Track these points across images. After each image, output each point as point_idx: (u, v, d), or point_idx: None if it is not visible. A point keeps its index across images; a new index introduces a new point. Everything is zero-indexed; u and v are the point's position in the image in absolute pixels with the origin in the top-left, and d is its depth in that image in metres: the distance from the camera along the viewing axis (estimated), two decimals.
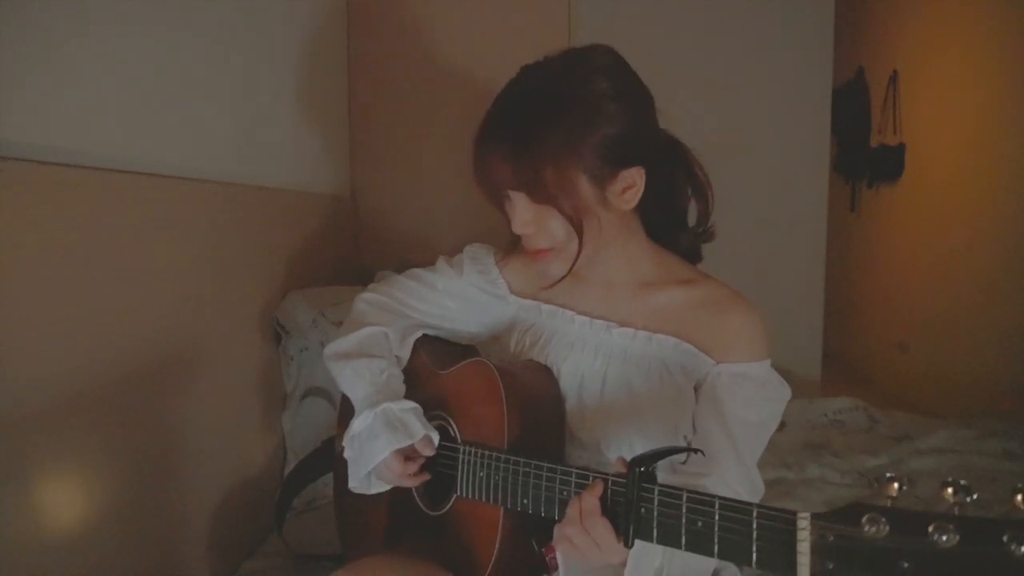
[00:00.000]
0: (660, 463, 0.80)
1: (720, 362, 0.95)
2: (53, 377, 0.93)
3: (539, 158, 0.88)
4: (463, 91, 2.10)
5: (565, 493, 0.85)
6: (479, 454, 0.96)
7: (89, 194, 1.01)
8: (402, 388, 1.06)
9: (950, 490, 0.57)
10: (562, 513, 0.84)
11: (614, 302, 1.02)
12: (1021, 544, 0.53)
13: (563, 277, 0.98)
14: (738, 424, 0.92)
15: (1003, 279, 3.04)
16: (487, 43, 2.08)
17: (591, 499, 0.79)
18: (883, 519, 0.58)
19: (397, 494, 1.05)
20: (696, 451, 0.90)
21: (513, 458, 0.91)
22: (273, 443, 1.57)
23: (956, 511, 0.56)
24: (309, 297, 1.61)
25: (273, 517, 1.42)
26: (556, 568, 0.92)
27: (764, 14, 2.68)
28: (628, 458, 0.78)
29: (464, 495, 0.98)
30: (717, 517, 0.70)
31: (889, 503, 0.59)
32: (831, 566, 0.60)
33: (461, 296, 1.13)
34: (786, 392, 0.97)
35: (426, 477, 1.03)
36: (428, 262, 1.18)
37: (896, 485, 0.59)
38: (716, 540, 0.69)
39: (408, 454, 1.00)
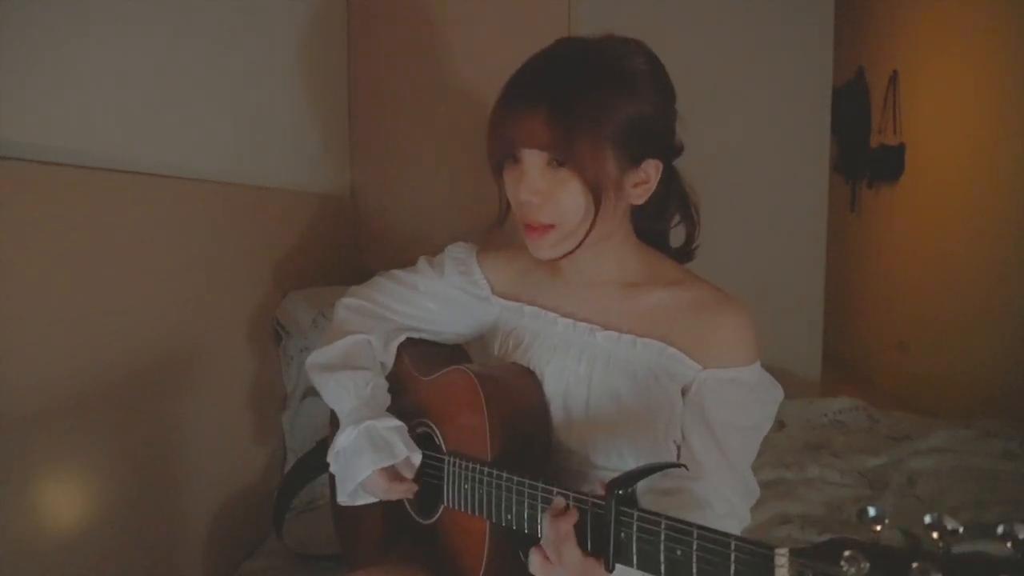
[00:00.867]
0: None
1: (707, 367, 0.92)
2: (53, 377, 0.93)
3: (577, 120, 0.85)
4: (463, 91, 2.10)
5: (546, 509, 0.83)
6: (464, 466, 0.95)
7: (89, 194, 1.01)
8: (387, 399, 1.04)
9: (936, 534, 0.54)
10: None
11: (599, 303, 1.00)
12: None
13: (569, 254, 0.94)
14: (727, 430, 0.91)
15: (1003, 279, 3.04)
16: (487, 43, 2.08)
17: (564, 526, 0.77)
18: (863, 558, 0.55)
19: (391, 501, 1.05)
20: (678, 465, 0.88)
21: (496, 472, 0.90)
22: (273, 443, 1.57)
23: (941, 549, 0.54)
24: (309, 297, 1.61)
25: (272, 518, 1.42)
26: None
27: (764, 14, 2.68)
28: (616, 465, 0.77)
29: (451, 506, 0.97)
30: (695, 547, 0.68)
31: (871, 538, 0.57)
32: None
33: (443, 298, 1.11)
34: (778, 393, 0.95)
35: (413, 491, 1.01)
36: None
37: (879, 526, 0.57)
38: (695, 571, 0.68)
39: (394, 472, 0.99)
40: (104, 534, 1.03)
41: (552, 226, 0.91)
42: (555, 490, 0.82)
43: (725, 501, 0.89)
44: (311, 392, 1.59)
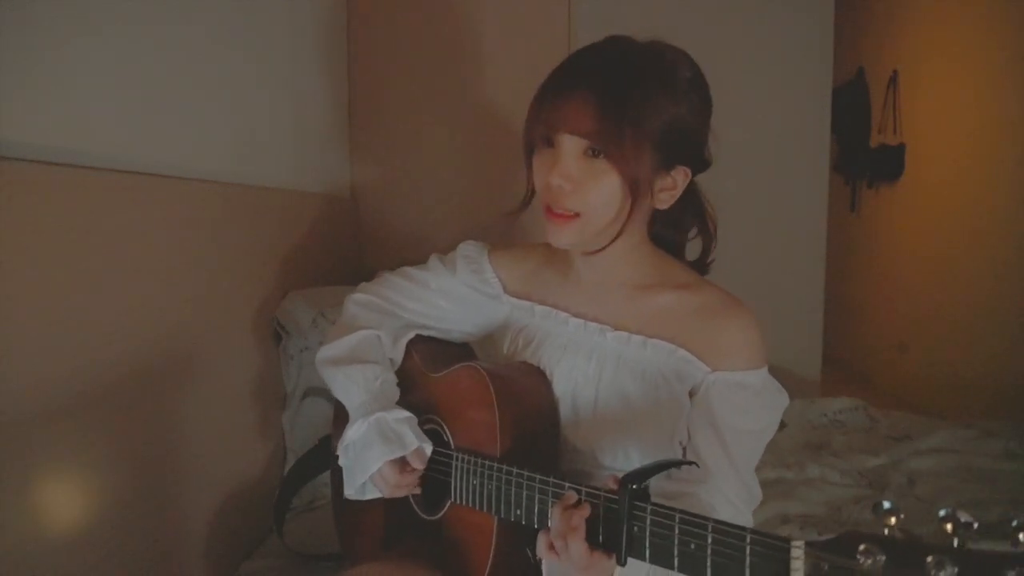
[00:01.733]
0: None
1: (715, 370, 0.93)
2: (53, 377, 0.93)
3: (624, 112, 0.86)
4: (463, 91, 2.10)
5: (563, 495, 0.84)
6: (472, 462, 0.95)
7: (89, 194, 1.01)
8: (396, 394, 1.04)
9: (949, 525, 0.55)
10: None
11: (609, 304, 1.00)
12: None
13: (596, 252, 0.95)
14: (733, 433, 0.91)
15: (1003, 279, 3.04)
16: (487, 43, 2.08)
17: (575, 519, 0.77)
18: (879, 550, 0.56)
19: (395, 498, 1.05)
20: (690, 463, 0.88)
21: (506, 467, 0.90)
22: (273, 443, 1.57)
23: (955, 543, 0.54)
24: (309, 297, 1.61)
25: (272, 518, 1.42)
26: None
27: (764, 14, 2.69)
28: (623, 466, 0.77)
29: (458, 502, 0.97)
30: (710, 540, 0.68)
31: (887, 532, 0.57)
32: None
33: (454, 296, 1.12)
34: (783, 399, 0.96)
35: (416, 488, 1.02)
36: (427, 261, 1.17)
37: (894, 518, 0.57)
38: (709, 564, 0.68)
39: (402, 465, 0.99)
40: (104, 534, 1.03)
41: (577, 215, 0.91)
42: (567, 484, 0.83)
43: (729, 504, 0.90)
44: (311, 392, 1.59)
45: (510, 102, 1.97)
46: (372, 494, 1.02)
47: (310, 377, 1.58)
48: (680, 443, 0.95)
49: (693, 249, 1.07)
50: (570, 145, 0.89)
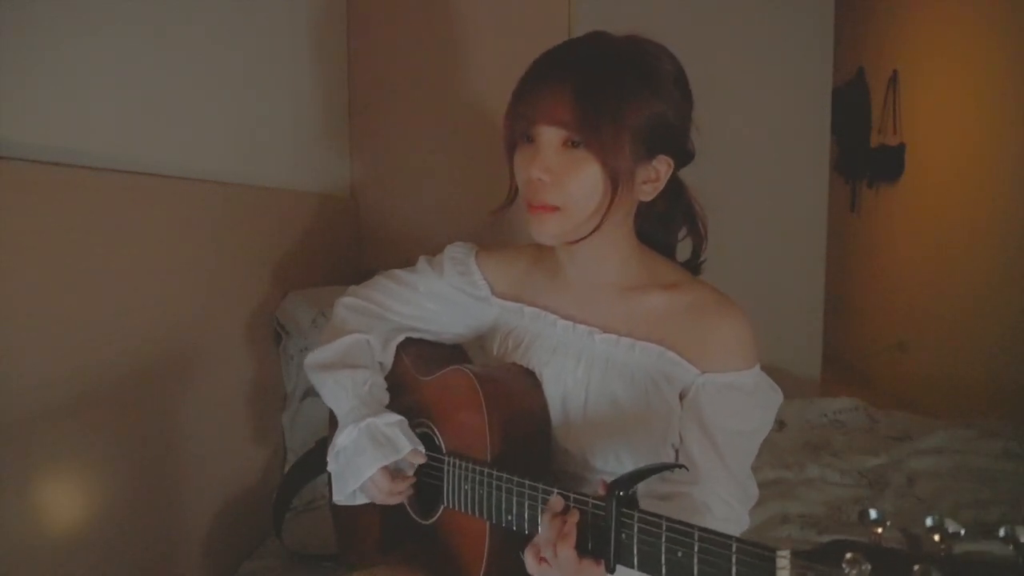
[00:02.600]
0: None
1: (705, 372, 0.92)
2: (53, 377, 0.93)
3: (602, 104, 0.86)
4: (463, 91, 2.10)
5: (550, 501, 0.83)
6: (463, 467, 0.94)
7: (89, 194, 1.01)
8: (386, 398, 1.04)
9: (937, 536, 0.54)
10: None
11: (597, 306, 0.99)
12: None
13: (575, 242, 0.93)
14: (724, 434, 0.90)
15: (1003, 279, 3.04)
16: (487, 43, 2.08)
17: (564, 525, 0.77)
18: (865, 559, 0.55)
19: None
20: (678, 467, 0.87)
21: (496, 473, 0.89)
22: (273, 443, 1.57)
23: (943, 552, 0.54)
24: (309, 297, 1.61)
25: (272, 518, 1.42)
26: None
27: (764, 14, 2.69)
28: (614, 469, 0.77)
29: (451, 507, 0.97)
30: (696, 548, 0.68)
31: (872, 540, 0.57)
32: None
33: (442, 298, 1.11)
34: (777, 397, 0.95)
35: (408, 495, 1.01)
36: None
37: (880, 528, 0.57)
38: (696, 572, 0.68)
39: (395, 471, 0.99)
40: (104, 534, 1.03)
41: (557, 208, 0.90)
42: (555, 491, 0.82)
43: (723, 504, 0.89)
44: (311, 392, 1.59)
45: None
46: (361, 500, 1.02)
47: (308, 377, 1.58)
48: (672, 445, 0.94)
49: (685, 250, 1.07)
50: (548, 137, 0.89)
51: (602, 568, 0.76)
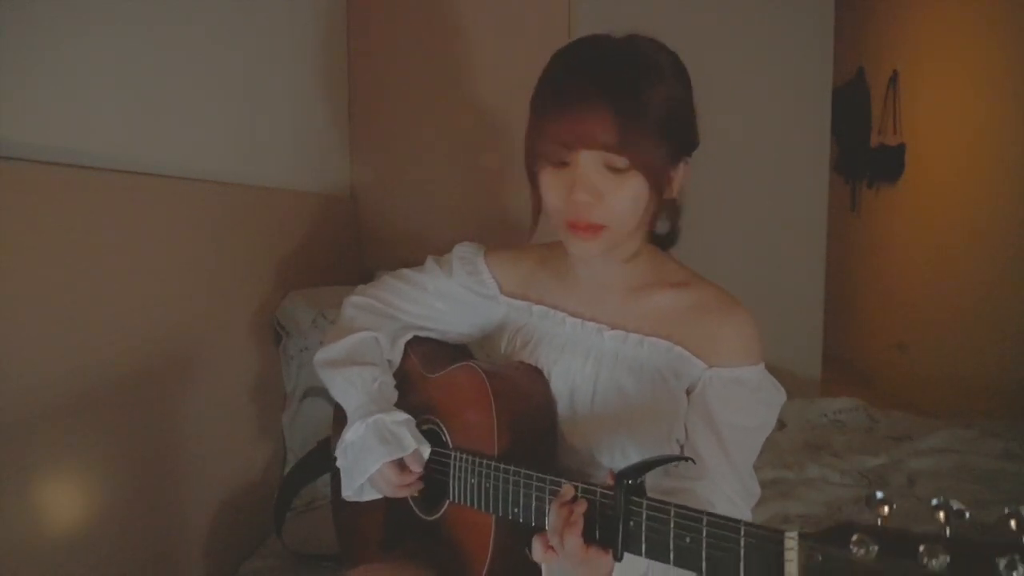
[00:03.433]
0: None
1: (712, 366, 0.93)
2: (53, 377, 0.93)
3: (643, 122, 0.85)
4: (463, 91, 2.10)
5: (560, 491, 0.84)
6: (470, 461, 0.95)
7: (89, 194, 1.01)
8: (394, 395, 1.04)
9: (942, 514, 0.55)
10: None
11: (606, 304, 1.00)
12: (1014, 568, 0.51)
13: (631, 257, 0.95)
14: (730, 429, 0.91)
15: (1003, 279, 3.05)
16: (487, 43, 2.08)
17: (572, 514, 0.78)
18: (872, 540, 0.56)
19: (393, 498, 1.05)
20: (686, 459, 0.88)
21: (503, 466, 0.90)
22: (273, 443, 1.57)
23: (948, 532, 0.55)
24: (309, 297, 1.61)
25: (272, 518, 1.42)
26: None
27: (764, 14, 2.69)
28: (620, 465, 0.77)
29: (457, 501, 0.97)
30: (705, 533, 0.68)
31: (880, 522, 0.58)
32: None
33: (451, 297, 1.11)
34: (780, 396, 0.96)
35: (418, 488, 1.02)
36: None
37: (887, 508, 0.58)
38: (704, 557, 0.68)
39: (403, 465, 0.99)
40: (104, 534, 1.03)
41: (603, 227, 0.90)
42: (563, 481, 0.83)
43: (727, 500, 0.90)
44: (311, 392, 1.59)
45: (510, 102, 1.96)
46: (370, 495, 1.02)
47: (310, 377, 1.58)
48: (678, 441, 0.95)
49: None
50: (589, 159, 0.87)
51: (610, 557, 0.76)
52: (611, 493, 0.76)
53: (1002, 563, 0.51)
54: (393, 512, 1.09)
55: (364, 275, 2.03)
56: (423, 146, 2.15)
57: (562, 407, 1.00)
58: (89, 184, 1.01)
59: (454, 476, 0.97)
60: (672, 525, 0.71)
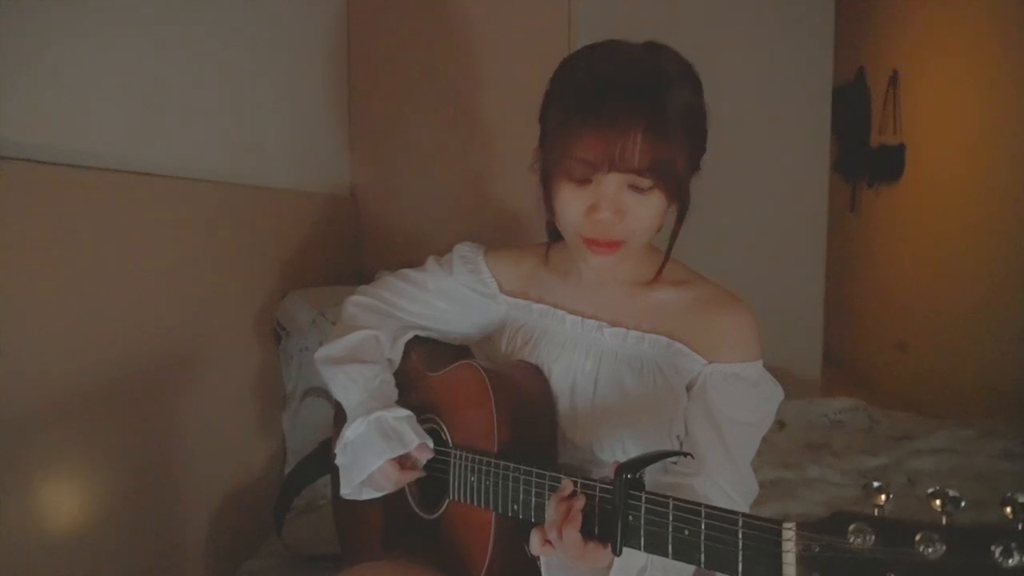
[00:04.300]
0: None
1: (712, 362, 0.94)
2: (53, 377, 0.93)
3: (672, 142, 0.85)
4: (463, 91, 2.10)
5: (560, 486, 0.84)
6: (470, 458, 0.95)
7: (89, 194, 1.01)
8: (395, 393, 1.05)
9: (938, 501, 0.55)
10: None
11: (606, 301, 1.01)
12: (1009, 555, 0.51)
13: (655, 278, 0.97)
14: (729, 424, 0.92)
15: (1003, 279, 3.05)
16: (487, 43, 2.08)
17: (575, 508, 0.78)
18: (869, 529, 0.57)
19: (393, 497, 1.05)
20: (685, 455, 0.89)
21: (502, 463, 0.90)
22: (273, 443, 1.57)
23: (944, 520, 0.55)
24: (309, 297, 1.61)
25: (272, 518, 1.42)
26: None
27: (764, 14, 2.69)
28: (622, 457, 0.77)
29: (456, 499, 0.98)
30: (703, 526, 0.69)
31: (876, 512, 0.58)
32: None
33: (452, 296, 1.12)
34: (779, 392, 0.96)
35: (417, 474, 1.02)
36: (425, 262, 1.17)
37: (883, 496, 0.58)
38: (703, 549, 0.69)
39: (404, 462, 0.99)
40: (104, 534, 1.03)
41: (623, 242, 0.91)
42: (563, 477, 0.83)
43: (725, 496, 0.90)
44: (311, 392, 1.59)
45: (510, 102, 1.97)
46: (368, 495, 1.02)
47: (310, 377, 1.58)
48: (678, 437, 0.96)
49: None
50: (615, 179, 0.87)
51: (608, 551, 0.76)
52: (610, 488, 0.77)
53: (997, 550, 0.52)
54: (393, 511, 1.09)
55: (364, 275, 2.03)
56: (423, 146, 2.15)
57: (563, 404, 1.01)
58: (89, 184, 1.01)
59: (454, 474, 0.98)
60: (671, 518, 0.71)
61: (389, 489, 1.01)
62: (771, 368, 0.97)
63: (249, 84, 1.55)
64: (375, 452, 0.97)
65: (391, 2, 2.12)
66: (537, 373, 1.02)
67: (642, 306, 0.99)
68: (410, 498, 1.06)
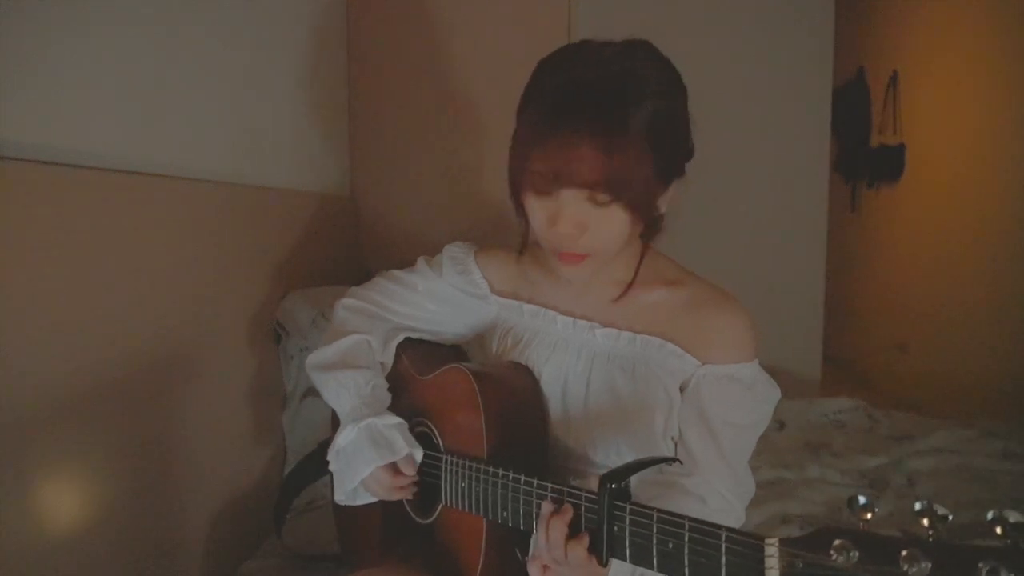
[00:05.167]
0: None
1: (705, 363, 0.93)
2: (53, 377, 0.93)
3: (629, 159, 0.81)
4: (463, 91, 2.10)
5: (541, 508, 0.83)
6: (460, 464, 0.95)
7: (89, 194, 1.01)
8: (387, 399, 1.04)
9: (926, 521, 0.55)
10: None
11: (598, 302, 1.00)
12: (997, 574, 0.50)
13: (626, 291, 0.95)
14: (724, 426, 0.91)
15: (1003, 279, 3.04)
16: (487, 43, 2.08)
17: (559, 526, 0.77)
18: (853, 546, 0.56)
19: (390, 502, 1.05)
20: (672, 460, 0.88)
21: (492, 469, 0.90)
22: (273, 443, 1.57)
23: (931, 537, 0.54)
24: (309, 297, 1.61)
25: (272, 518, 1.42)
26: None
27: (764, 14, 2.69)
28: (615, 463, 0.76)
29: (449, 505, 0.97)
30: (687, 539, 0.68)
31: (861, 527, 0.57)
32: None
33: (441, 297, 1.11)
34: (775, 393, 0.95)
35: (410, 493, 1.01)
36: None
37: (869, 514, 0.57)
38: (687, 563, 0.68)
39: (396, 468, 0.99)
40: (104, 534, 1.03)
41: (588, 255, 0.89)
42: (549, 486, 0.82)
43: (719, 497, 0.89)
44: (311, 392, 1.59)
45: (510, 102, 1.97)
46: (364, 499, 1.02)
47: (310, 377, 1.58)
48: (672, 438, 0.95)
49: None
50: (572, 195, 0.85)
51: (595, 563, 0.76)
52: (595, 497, 0.76)
53: (984, 569, 0.51)
54: (389, 515, 1.09)
55: (364, 275, 2.01)
56: (423, 146, 2.15)
57: (554, 406, 1.00)
58: (89, 184, 1.01)
59: (446, 479, 0.97)
60: (655, 530, 0.71)
61: (383, 496, 1.00)
62: (770, 368, 0.96)
63: (249, 84, 1.55)
64: (365, 459, 0.96)
65: (391, 2, 2.12)
66: (527, 374, 1.01)
67: (635, 307, 0.98)
68: (405, 502, 1.06)
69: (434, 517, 1.02)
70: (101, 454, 1.03)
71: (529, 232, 0.96)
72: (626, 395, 0.95)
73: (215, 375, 1.34)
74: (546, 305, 1.04)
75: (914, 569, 0.53)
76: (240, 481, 1.43)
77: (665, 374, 0.95)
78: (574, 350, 0.99)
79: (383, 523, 1.11)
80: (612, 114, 0.81)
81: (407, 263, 1.17)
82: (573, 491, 0.80)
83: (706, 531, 0.67)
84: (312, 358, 1.09)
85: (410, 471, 0.99)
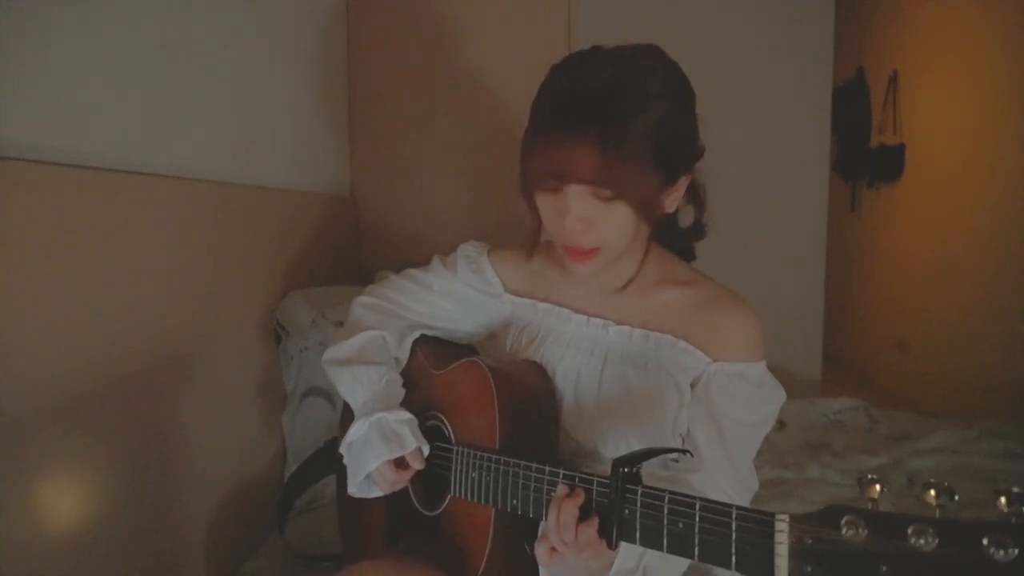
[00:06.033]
0: (653, 458, 0.79)
1: (716, 361, 0.95)
2: (53, 377, 0.93)
3: (629, 156, 0.84)
4: (463, 91, 2.10)
5: (552, 494, 0.84)
6: (471, 455, 0.96)
7: (89, 194, 1.01)
8: (400, 394, 1.05)
9: (932, 492, 0.56)
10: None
11: (611, 301, 1.02)
12: (1001, 547, 0.51)
13: (627, 283, 0.97)
14: (730, 423, 0.92)
15: (1003, 279, 3.05)
16: (487, 43, 2.08)
17: (571, 509, 0.78)
18: (862, 522, 0.57)
19: (396, 494, 1.05)
20: (683, 451, 0.90)
21: (503, 458, 0.91)
22: (273, 443, 1.57)
23: (937, 513, 0.55)
24: (309, 297, 1.61)
25: (275, 517, 1.42)
26: None
27: (764, 14, 2.69)
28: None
29: (458, 495, 0.98)
30: (697, 519, 0.69)
31: (870, 505, 0.58)
32: (809, 569, 0.59)
33: (457, 296, 1.13)
34: (781, 394, 0.97)
35: (410, 475, 1.02)
36: (428, 262, 1.18)
37: (878, 487, 0.59)
38: (697, 542, 0.69)
39: (401, 463, 1.00)
40: (104, 534, 1.03)
41: (597, 249, 0.92)
42: (561, 472, 0.83)
43: (722, 494, 0.90)
44: (311, 392, 1.59)
45: (510, 102, 1.97)
46: (376, 492, 1.03)
47: (310, 377, 1.58)
48: (680, 435, 0.96)
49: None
50: (577, 190, 0.88)
51: (603, 545, 0.77)
52: (607, 481, 0.77)
53: (990, 543, 0.52)
54: (395, 508, 1.10)
55: (364, 275, 2.03)
56: (423, 146, 2.15)
57: (567, 402, 1.01)
58: (89, 184, 1.01)
59: (455, 471, 0.98)
60: (666, 511, 0.72)
61: (386, 489, 1.01)
62: (771, 368, 0.97)
63: (249, 84, 1.55)
64: (374, 453, 0.98)
65: (391, 3, 2.12)
66: (541, 372, 1.03)
67: (647, 305, 1.00)
68: (412, 495, 1.07)
69: (441, 509, 1.02)
70: (101, 454, 1.03)
71: (541, 230, 0.98)
72: (638, 390, 0.97)
73: (215, 375, 1.34)
74: (560, 303, 1.05)
75: (922, 543, 0.54)
76: (240, 481, 1.43)
77: (677, 370, 0.97)
78: (587, 347, 1.01)
79: (388, 516, 1.12)
80: (614, 112, 0.84)
81: (407, 263, 1.18)
82: (585, 476, 0.81)
83: (717, 509, 0.68)
84: (328, 353, 1.10)
85: (418, 465, 1.00)
